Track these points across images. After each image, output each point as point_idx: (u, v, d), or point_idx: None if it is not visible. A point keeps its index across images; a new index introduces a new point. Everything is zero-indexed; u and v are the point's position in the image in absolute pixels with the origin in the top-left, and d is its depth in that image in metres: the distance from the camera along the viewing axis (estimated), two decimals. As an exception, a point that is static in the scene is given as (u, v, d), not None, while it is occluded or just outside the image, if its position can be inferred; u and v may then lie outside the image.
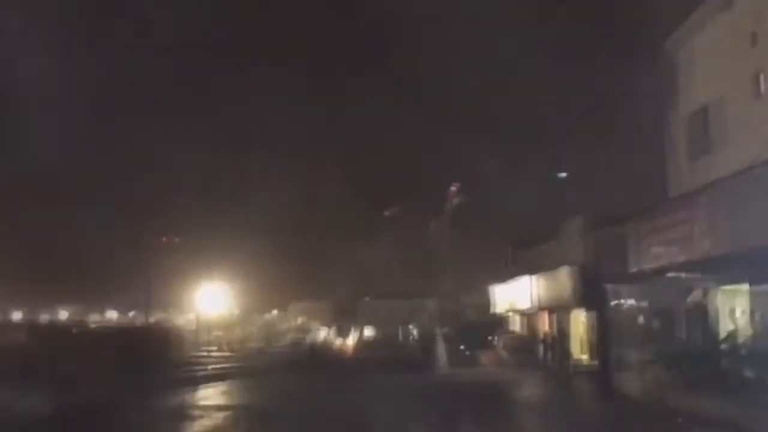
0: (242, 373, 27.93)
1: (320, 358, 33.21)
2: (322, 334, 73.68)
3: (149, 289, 35.00)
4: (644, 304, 17.78)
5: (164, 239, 41.73)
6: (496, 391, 19.59)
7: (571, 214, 26.42)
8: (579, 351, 25.40)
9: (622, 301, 18.50)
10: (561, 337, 26.04)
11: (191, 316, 61.07)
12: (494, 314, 35.46)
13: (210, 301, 52.94)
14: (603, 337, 19.54)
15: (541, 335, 28.29)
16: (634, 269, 16.42)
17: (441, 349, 28.40)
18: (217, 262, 53.16)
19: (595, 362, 20.72)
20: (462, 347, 27.83)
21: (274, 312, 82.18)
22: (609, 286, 18.47)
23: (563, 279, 24.42)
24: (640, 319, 18.25)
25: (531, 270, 29.26)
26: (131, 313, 65.53)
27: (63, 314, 65.35)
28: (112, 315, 70.53)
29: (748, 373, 13.72)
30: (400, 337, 65.87)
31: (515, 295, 31.18)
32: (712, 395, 12.83)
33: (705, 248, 12.90)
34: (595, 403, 15.60)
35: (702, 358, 14.88)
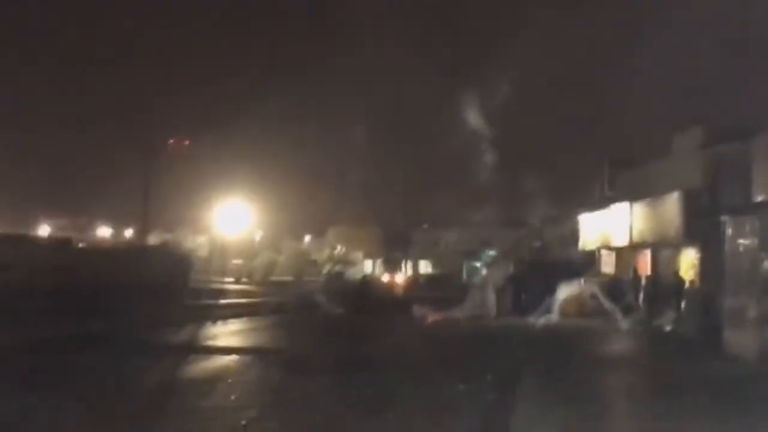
0: (263, 311, 28.89)
1: (367, 295, 34.01)
2: (367, 267, 74.97)
3: (150, 203, 35.76)
4: (772, 244, 17.45)
5: (171, 141, 41.99)
6: (569, 344, 19.85)
7: (688, 126, 25.81)
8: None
9: (744, 239, 18.18)
10: (662, 281, 25.89)
11: (203, 238, 62.36)
12: (583, 250, 35.36)
13: (228, 222, 53.10)
14: (713, 284, 19.40)
15: (642, 279, 28.17)
16: (760, 197, 16.10)
17: (506, 293, 28.55)
18: (237, 173, 53.63)
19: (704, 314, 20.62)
20: (534, 292, 27.97)
21: (307, 238, 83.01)
22: (727, 219, 18.15)
23: (671, 208, 24.10)
24: (766, 264, 18.03)
25: (632, 196, 28.95)
26: (128, 231, 66.89)
27: (45, 229, 67.06)
28: (104, 232, 72.17)
29: None
30: (465, 276, 66.52)
31: (609, 228, 30.99)
32: None
33: None
34: (696, 365, 15.61)
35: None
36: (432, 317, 25.06)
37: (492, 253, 62.16)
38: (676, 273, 23.46)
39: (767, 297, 17.01)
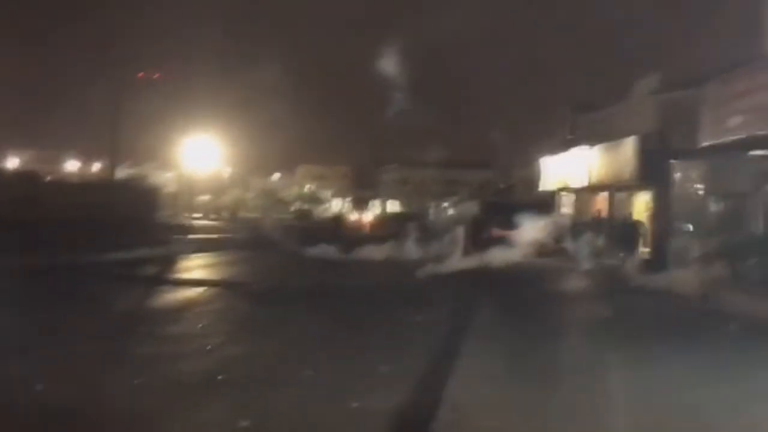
0: (230, 246, 29.43)
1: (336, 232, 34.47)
2: (336, 206, 75.44)
3: (118, 137, 35.78)
4: (717, 187, 18.25)
5: (141, 74, 41.84)
6: (525, 282, 20.70)
7: (647, 73, 26.34)
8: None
9: (690, 182, 19.01)
10: (619, 222, 26.82)
11: (171, 174, 62.28)
12: (544, 192, 36.13)
13: (196, 158, 53.18)
14: (660, 224, 20.27)
15: (595, 219, 29.15)
16: (706, 143, 16.82)
17: (459, 233, 29.28)
18: (207, 108, 53.52)
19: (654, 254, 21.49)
20: (497, 231, 28.66)
21: (276, 176, 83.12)
22: (675, 163, 18.94)
23: (627, 152, 24.74)
24: (711, 206, 18.83)
25: (592, 140, 29.57)
26: (96, 165, 66.42)
27: (13, 162, 66.55)
28: (73, 165, 71.56)
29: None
30: (431, 216, 67.29)
31: (569, 170, 31.68)
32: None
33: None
34: (638, 301, 16.44)
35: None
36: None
37: (455, 197, 62.88)
38: (630, 215, 24.11)
39: (711, 238, 17.87)
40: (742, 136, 15.13)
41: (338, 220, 54.44)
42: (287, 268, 22.33)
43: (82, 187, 37.36)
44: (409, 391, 7.96)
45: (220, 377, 8.39)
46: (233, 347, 10.31)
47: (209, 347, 10.08)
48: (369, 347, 10.42)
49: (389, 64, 31.08)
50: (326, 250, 27.35)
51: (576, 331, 12.99)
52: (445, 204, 71.31)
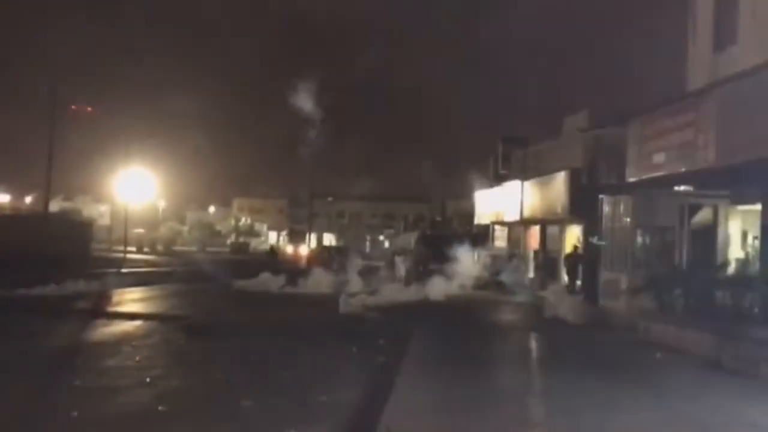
0: (167, 279, 29.20)
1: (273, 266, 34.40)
2: (272, 238, 75.17)
3: (51, 170, 35.26)
4: (644, 221, 18.93)
5: (73, 107, 41.44)
6: (462, 313, 21.11)
7: (577, 110, 27.16)
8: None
9: (618, 217, 19.68)
10: (546, 255, 27.52)
11: (105, 207, 61.47)
12: (479, 225, 36.81)
13: (130, 191, 52.68)
14: (590, 257, 20.90)
15: (531, 253, 29.87)
16: (632, 179, 17.48)
17: (401, 266, 29.75)
18: (141, 142, 53.11)
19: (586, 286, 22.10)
20: (434, 264, 29.13)
21: (212, 209, 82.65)
22: (604, 198, 19.60)
23: (558, 186, 25.44)
24: (639, 240, 19.49)
25: (524, 174, 30.29)
26: (28, 198, 65.10)
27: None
28: (2, 199, 69.77)
29: (747, 305, 15.10)
30: (367, 248, 67.54)
31: (502, 204, 32.35)
32: (701, 329, 14.06)
33: (709, 158, 13.88)
34: (571, 332, 16.92)
35: (697, 286, 16.22)
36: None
37: (391, 230, 63.46)
38: (575, 247, 24.51)
39: (638, 270, 18.50)
40: (666, 172, 15.80)
41: (274, 253, 54.41)
42: (223, 302, 22.27)
43: (12, 220, 36.69)
44: (344, 419, 8.18)
45: (159, 408, 8.46)
46: (172, 380, 10.37)
47: (148, 380, 10.11)
48: (306, 378, 10.59)
49: (322, 98, 31.42)
50: (263, 283, 27.36)
51: (507, 362, 13.37)
52: (381, 237, 71.75)
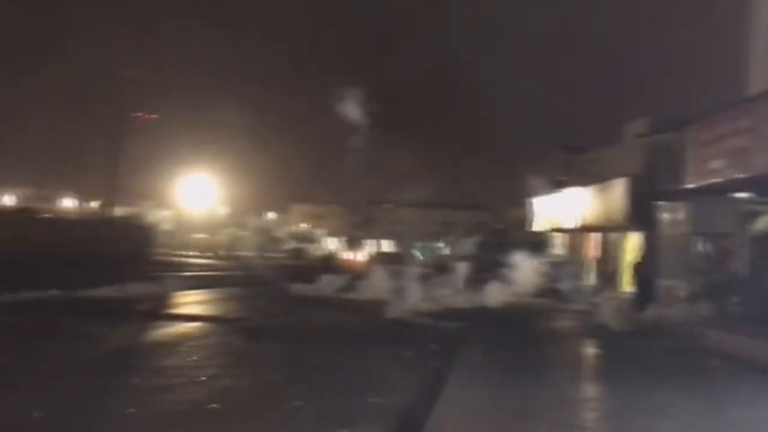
0: (226, 283, 29.66)
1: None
2: (330, 244, 75.70)
3: (116, 176, 36.19)
4: (702, 228, 18.69)
5: (139, 115, 42.53)
6: (520, 321, 21.06)
7: (636, 117, 26.88)
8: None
9: (675, 224, 19.43)
10: (605, 262, 27.20)
11: (168, 212, 62.68)
12: (537, 232, 36.56)
13: (192, 197, 53.82)
14: (645, 264, 20.63)
15: (590, 260, 29.61)
16: (690, 185, 17.26)
17: (460, 272, 29.65)
18: (203, 149, 54.12)
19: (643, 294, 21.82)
20: (492, 271, 29.07)
21: (271, 215, 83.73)
22: (662, 204, 19.37)
23: (617, 193, 25.19)
24: (698, 246, 19.24)
25: (584, 181, 30.05)
26: (93, 203, 66.67)
27: (10, 199, 66.60)
28: (69, 203, 71.59)
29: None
30: (426, 255, 67.43)
31: (560, 211, 32.12)
32: (759, 337, 13.83)
33: (763, 163, 13.65)
34: (622, 339, 16.76)
35: (756, 294, 15.92)
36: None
37: (449, 237, 63.28)
38: (638, 255, 24.23)
39: (695, 277, 18.26)
40: (724, 178, 15.57)
41: (330, 258, 54.75)
42: (280, 305, 22.56)
43: (78, 223, 37.69)
44: (394, 420, 8.29)
45: (212, 405, 8.69)
46: (226, 379, 10.59)
47: (203, 378, 10.37)
48: (358, 380, 10.73)
49: (375, 104, 31.53)
50: (319, 288, 27.59)
51: (560, 368, 13.31)
52: (440, 244, 71.57)
